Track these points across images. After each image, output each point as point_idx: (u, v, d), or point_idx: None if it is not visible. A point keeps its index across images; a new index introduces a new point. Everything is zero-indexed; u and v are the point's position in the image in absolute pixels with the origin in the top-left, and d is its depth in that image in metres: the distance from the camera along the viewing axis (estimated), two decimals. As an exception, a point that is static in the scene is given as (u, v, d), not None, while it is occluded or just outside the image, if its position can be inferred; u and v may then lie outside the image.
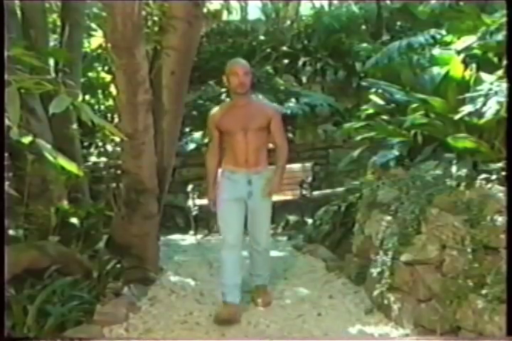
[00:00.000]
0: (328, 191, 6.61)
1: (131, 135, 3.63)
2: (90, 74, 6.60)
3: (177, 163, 5.95)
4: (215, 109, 3.54)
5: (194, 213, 6.32)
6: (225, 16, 9.67)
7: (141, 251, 4.03)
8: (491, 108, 3.12)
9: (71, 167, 2.50)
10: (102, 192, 5.17)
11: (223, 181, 3.47)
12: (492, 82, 3.39)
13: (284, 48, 8.75)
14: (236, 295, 3.42)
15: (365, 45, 7.54)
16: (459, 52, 4.09)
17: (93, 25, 6.10)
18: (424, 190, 3.16)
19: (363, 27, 8.97)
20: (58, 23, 5.37)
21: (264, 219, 3.55)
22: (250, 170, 3.41)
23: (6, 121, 1.83)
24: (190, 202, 6.32)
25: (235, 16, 10.18)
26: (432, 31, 5.24)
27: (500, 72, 3.56)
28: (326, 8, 10.09)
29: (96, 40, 6.62)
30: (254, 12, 10.47)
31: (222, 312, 3.33)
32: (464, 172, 3.07)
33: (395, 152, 4.04)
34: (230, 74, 3.35)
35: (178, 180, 6.69)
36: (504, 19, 3.77)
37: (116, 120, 5.79)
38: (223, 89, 7.54)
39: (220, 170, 3.52)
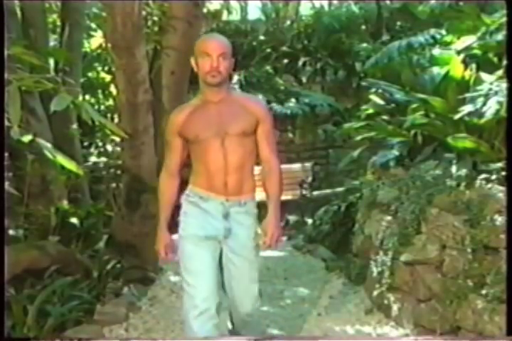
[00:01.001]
0: (328, 191, 6.60)
1: (131, 135, 3.63)
2: (90, 74, 6.60)
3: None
4: (177, 109, 2.42)
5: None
6: (225, 16, 9.66)
7: (141, 251, 4.02)
8: (491, 108, 3.12)
9: (71, 165, 2.50)
10: (102, 192, 5.17)
11: (189, 209, 2.39)
12: (492, 82, 3.39)
13: (284, 48, 8.74)
14: None
15: (365, 45, 7.55)
16: (459, 52, 4.09)
17: (93, 25, 6.10)
18: (424, 190, 3.16)
19: (363, 27, 8.96)
20: (58, 23, 5.37)
21: (248, 272, 2.38)
22: (229, 198, 2.32)
23: (6, 121, 1.84)
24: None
25: (235, 16, 10.17)
26: (432, 31, 5.23)
27: (500, 72, 3.55)
28: (326, 8, 10.08)
29: (96, 40, 6.62)
30: (254, 12, 10.46)
31: None
32: (463, 172, 3.07)
33: (395, 152, 4.04)
34: (199, 55, 2.24)
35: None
36: (504, 19, 3.77)
37: (116, 120, 5.78)
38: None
39: (185, 194, 2.45)
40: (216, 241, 2.34)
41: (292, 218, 6.39)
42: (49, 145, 2.48)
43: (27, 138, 2.44)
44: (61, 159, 2.42)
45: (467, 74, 3.76)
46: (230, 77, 2.50)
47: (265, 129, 2.34)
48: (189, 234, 2.36)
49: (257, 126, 2.33)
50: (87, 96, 6.62)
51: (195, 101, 2.39)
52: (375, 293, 3.29)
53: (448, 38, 4.69)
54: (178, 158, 2.44)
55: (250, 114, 2.32)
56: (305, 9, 10.27)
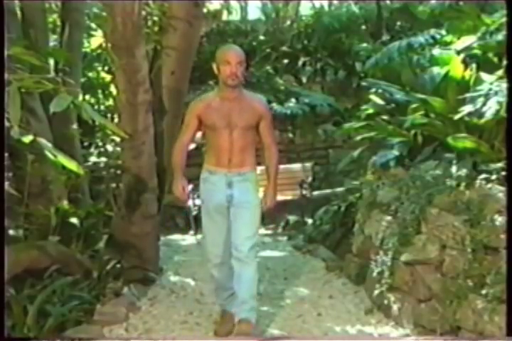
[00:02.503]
0: (328, 191, 6.60)
1: (131, 135, 3.63)
2: (90, 74, 6.60)
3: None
4: (199, 99, 3.10)
5: (194, 213, 6.31)
6: (225, 16, 9.66)
7: (141, 251, 4.02)
8: (491, 108, 3.12)
9: (71, 165, 2.50)
10: (102, 192, 5.17)
11: (203, 185, 3.10)
12: (492, 82, 3.39)
13: (284, 48, 8.74)
14: (231, 302, 3.10)
15: (365, 45, 7.55)
16: (459, 52, 4.09)
17: (93, 25, 6.10)
18: (424, 190, 3.16)
19: (363, 27, 8.96)
20: (58, 23, 5.37)
21: (246, 222, 2.99)
22: (231, 170, 2.99)
23: (7, 121, 1.83)
24: (190, 202, 6.31)
25: (235, 16, 10.18)
26: (432, 31, 5.23)
27: (500, 72, 3.56)
28: (326, 8, 10.09)
29: (96, 40, 6.62)
30: (254, 12, 10.47)
31: (222, 325, 3.14)
32: (463, 172, 3.07)
33: (395, 152, 4.04)
34: (220, 63, 2.90)
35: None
36: (504, 19, 3.77)
37: (116, 120, 5.79)
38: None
39: (201, 173, 3.13)
40: (224, 210, 3.02)
41: (292, 218, 6.39)
42: (50, 145, 2.48)
43: (27, 138, 2.44)
44: (62, 159, 2.41)
45: (467, 74, 3.76)
46: (245, 80, 3.06)
47: (267, 123, 3.06)
48: (204, 207, 3.11)
49: (260, 121, 3.03)
50: (87, 96, 6.62)
51: (214, 95, 3.06)
52: (375, 293, 3.29)
53: (448, 38, 4.70)
54: (190, 135, 3.10)
55: (255, 112, 3.01)
56: (305, 9, 10.27)
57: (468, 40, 4.16)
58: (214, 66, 2.97)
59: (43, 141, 2.44)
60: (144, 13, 3.66)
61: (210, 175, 3.04)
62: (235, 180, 2.99)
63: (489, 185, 2.85)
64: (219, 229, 3.04)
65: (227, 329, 3.08)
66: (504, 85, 3.14)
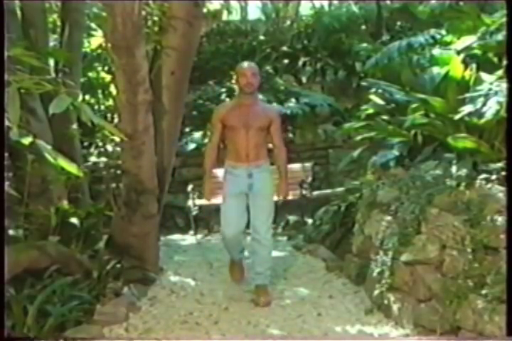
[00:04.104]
0: (328, 191, 6.60)
1: (131, 135, 3.63)
2: (90, 74, 6.60)
3: (177, 163, 5.95)
4: (222, 105, 3.95)
5: (194, 213, 6.32)
6: (225, 16, 9.66)
7: (141, 251, 4.03)
8: (491, 108, 3.12)
9: (71, 168, 2.50)
10: (102, 192, 5.17)
11: (227, 177, 3.72)
12: (492, 82, 3.40)
13: (284, 48, 8.75)
14: (240, 254, 3.94)
15: (365, 45, 7.54)
16: (459, 52, 4.09)
17: (93, 25, 6.10)
18: (424, 190, 3.16)
19: (363, 27, 8.97)
20: (58, 23, 5.37)
21: (263, 207, 3.67)
22: (250, 164, 3.64)
23: (6, 122, 1.83)
24: (190, 202, 6.32)
25: (235, 16, 10.18)
26: (432, 31, 5.24)
27: (500, 72, 3.56)
28: (326, 8, 10.09)
29: (96, 40, 6.62)
30: (254, 12, 10.48)
31: (258, 296, 3.62)
32: (464, 172, 3.07)
33: (395, 152, 4.05)
34: (239, 75, 3.63)
35: (178, 180, 6.68)
36: (504, 19, 3.78)
37: (116, 120, 5.79)
38: (223, 89, 7.55)
39: (224, 168, 3.75)
40: (243, 196, 3.67)
41: (292, 218, 6.39)
42: (49, 147, 2.47)
43: (27, 140, 2.43)
44: (62, 161, 2.41)
45: (467, 74, 3.77)
46: (259, 88, 3.76)
47: (276, 127, 3.74)
48: (227, 192, 3.66)
49: (270, 125, 3.69)
50: (87, 97, 6.63)
51: (233, 102, 3.79)
52: (375, 293, 3.29)
53: (448, 38, 4.70)
54: (218, 137, 3.74)
55: (267, 117, 3.68)
56: (305, 9, 10.29)
57: (468, 40, 4.16)
58: (234, 78, 3.84)
59: (42, 143, 2.44)
60: (144, 13, 3.66)
61: (233, 169, 3.68)
62: (254, 171, 3.65)
63: (489, 185, 2.85)
64: (236, 212, 3.66)
65: (240, 274, 3.99)
66: (504, 85, 3.14)
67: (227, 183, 3.69)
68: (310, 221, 5.81)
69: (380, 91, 4.60)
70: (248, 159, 3.63)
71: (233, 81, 7.77)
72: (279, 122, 3.75)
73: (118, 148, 5.50)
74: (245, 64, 3.72)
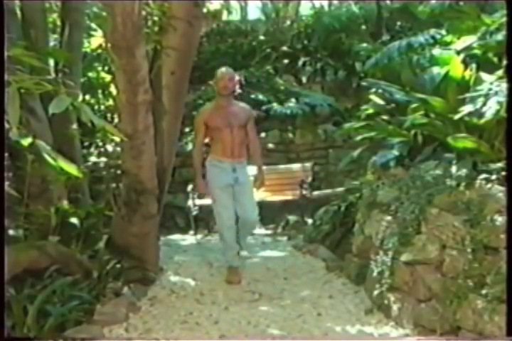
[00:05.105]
0: (328, 191, 6.60)
1: (131, 135, 3.63)
2: (90, 74, 6.60)
3: (177, 163, 5.95)
4: (203, 109, 4.22)
5: (194, 213, 6.32)
6: (225, 16, 9.67)
7: (141, 251, 4.03)
8: (491, 108, 3.12)
9: (71, 169, 2.50)
10: (102, 192, 5.17)
11: (212, 169, 4.13)
12: (492, 82, 3.39)
13: (284, 48, 8.74)
14: (237, 260, 4.22)
15: (365, 45, 7.54)
16: (458, 52, 4.09)
17: (93, 25, 6.10)
18: (424, 190, 3.16)
19: (363, 27, 8.96)
20: (58, 23, 5.37)
21: (250, 195, 4.23)
22: (235, 160, 4.08)
23: (6, 122, 1.83)
24: (190, 202, 6.32)
25: (235, 16, 10.19)
26: (432, 31, 5.23)
27: (500, 72, 3.56)
28: (326, 8, 10.10)
29: (96, 40, 6.62)
30: (254, 12, 10.49)
31: (231, 276, 4.11)
32: (463, 172, 3.07)
33: (395, 152, 4.04)
34: (217, 79, 4.07)
35: (178, 180, 6.69)
36: (504, 19, 3.77)
37: (116, 120, 5.79)
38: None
39: (208, 160, 4.17)
40: (230, 186, 4.09)
41: (292, 218, 6.39)
42: (49, 148, 2.47)
43: (27, 140, 2.43)
44: (61, 162, 2.41)
45: (467, 74, 3.77)
46: (234, 91, 4.22)
47: (252, 124, 4.22)
48: (215, 185, 4.09)
49: (248, 122, 4.15)
50: (87, 97, 6.62)
51: (212, 105, 4.19)
52: (375, 293, 3.29)
53: (448, 38, 4.70)
54: (202, 138, 4.15)
55: (245, 115, 4.15)
56: (305, 9, 10.29)
57: (468, 40, 4.16)
58: (213, 82, 4.23)
59: (42, 143, 2.44)
60: (144, 13, 3.65)
61: (219, 163, 4.08)
62: (238, 166, 4.09)
63: (489, 185, 2.85)
64: (228, 202, 4.08)
65: (236, 279, 4.11)
66: (504, 85, 3.13)
67: (214, 175, 4.10)
68: (310, 221, 5.81)
69: (380, 91, 4.60)
70: (233, 155, 4.05)
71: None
72: (253, 119, 4.29)
73: (118, 148, 5.51)
74: (223, 69, 4.16)
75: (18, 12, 4.33)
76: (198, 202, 6.21)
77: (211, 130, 4.07)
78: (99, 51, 6.74)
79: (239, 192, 4.11)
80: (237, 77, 4.14)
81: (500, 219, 2.61)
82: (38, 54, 2.58)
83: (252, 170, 4.39)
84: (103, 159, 6.12)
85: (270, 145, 7.51)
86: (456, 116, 3.35)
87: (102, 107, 6.82)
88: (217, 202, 4.11)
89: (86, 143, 6.27)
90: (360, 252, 3.88)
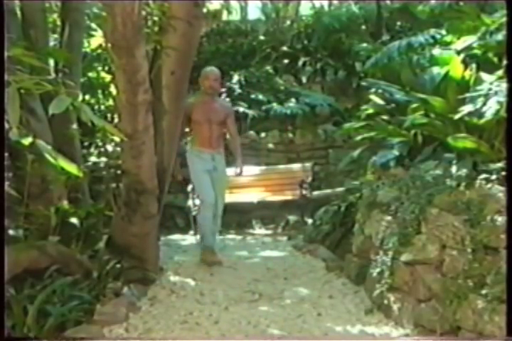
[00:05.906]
0: (328, 191, 6.60)
1: (131, 135, 3.62)
2: (90, 74, 6.59)
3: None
4: (189, 101, 4.56)
5: (194, 213, 6.31)
6: (225, 16, 9.68)
7: (141, 251, 4.03)
8: (491, 108, 3.12)
9: (71, 168, 2.50)
10: (102, 192, 5.16)
11: (194, 158, 4.67)
12: (492, 82, 3.40)
13: (284, 48, 8.75)
14: (214, 241, 4.71)
15: (365, 45, 7.56)
16: (459, 52, 4.10)
17: (93, 25, 6.10)
18: (424, 190, 3.16)
19: (363, 27, 8.97)
20: (58, 23, 5.36)
21: (225, 181, 4.92)
22: (213, 150, 4.64)
23: (6, 122, 1.83)
24: (190, 202, 6.32)
25: (235, 16, 10.20)
26: (432, 31, 5.24)
27: (500, 72, 3.56)
28: (326, 8, 10.10)
29: (96, 40, 6.61)
30: (254, 12, 10.49)
31: (211, 257, 4.56)
32: (464, 172, 3.07)
33: (395, 152, 4.05)
34: (203, 78, 4.58)
35: (178, 180, 6.67)
36: (504, 19, 3.78)
37: (116, 120, 5.78)
38: (223, 89, 7.55)
39: (188, 151, 4.74)
40: (210, 172, 4.63)
41: (292, 218, 6.39)
42: (49, 147, 2.47)
43: (27, 140, 2.43)
44: (62, 162, 2.41)
45: (467, 74, 3.77)
46: (219, 90, 4.93)
47: (231, 120, 4.79)
48: (198, 169, 4.63)
49: (227, 118, 4.71)
50: (87, 97, 6.62)
51: (196, 100, 4.69)
52: (375, 293, 3.29)
53: (448, 38, 4.71)
54: (183, 128, 4.57)
55: (224, 112, 4.70)
56: (305, 9, 10.30)
57: (468, 40, 4.17)
58: (200, 81, 4.64)
59: (42, 143, 2.44)
60: (144, 13, 3.65)
61: (200, 153, 4.64)
62: (216, 157, 4.68)
63: (489, 185, 2.85)
64: (208, 182, 4.61)
65: (216, 259, 4.55)
66: (504, 85, 3.14)
67: (196, 162, 4.64)
68: (310, 221, 5.81)
69: (380, 91, 4.61)
70: (212, 147, 4.62)
71: (234, 81, 7.81)
72: (233, 115, 4.84)
73: (118, 148, 5.50)
74: (208, 69, 4.66)
75: (18, 12, 4.32)
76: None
77: (192, 123, 4.60)
78: (99, 51, 6.74)
79: (216, 178, 4.65)
80: (219, 78, 4.64)
81: (500, 219, 2.61)
82: (38, 54, 2.58)
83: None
84: (103, 159, 6.11)
85: (270, 145, 7.51)
86: (456, 116, 3.35)
87: (102, 107, 6.82)
88: (200, 181, 4.63)
89: (86, 143, 6.26)
90: (360, 252, 3.88)
